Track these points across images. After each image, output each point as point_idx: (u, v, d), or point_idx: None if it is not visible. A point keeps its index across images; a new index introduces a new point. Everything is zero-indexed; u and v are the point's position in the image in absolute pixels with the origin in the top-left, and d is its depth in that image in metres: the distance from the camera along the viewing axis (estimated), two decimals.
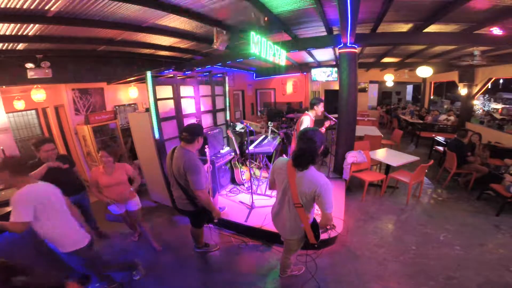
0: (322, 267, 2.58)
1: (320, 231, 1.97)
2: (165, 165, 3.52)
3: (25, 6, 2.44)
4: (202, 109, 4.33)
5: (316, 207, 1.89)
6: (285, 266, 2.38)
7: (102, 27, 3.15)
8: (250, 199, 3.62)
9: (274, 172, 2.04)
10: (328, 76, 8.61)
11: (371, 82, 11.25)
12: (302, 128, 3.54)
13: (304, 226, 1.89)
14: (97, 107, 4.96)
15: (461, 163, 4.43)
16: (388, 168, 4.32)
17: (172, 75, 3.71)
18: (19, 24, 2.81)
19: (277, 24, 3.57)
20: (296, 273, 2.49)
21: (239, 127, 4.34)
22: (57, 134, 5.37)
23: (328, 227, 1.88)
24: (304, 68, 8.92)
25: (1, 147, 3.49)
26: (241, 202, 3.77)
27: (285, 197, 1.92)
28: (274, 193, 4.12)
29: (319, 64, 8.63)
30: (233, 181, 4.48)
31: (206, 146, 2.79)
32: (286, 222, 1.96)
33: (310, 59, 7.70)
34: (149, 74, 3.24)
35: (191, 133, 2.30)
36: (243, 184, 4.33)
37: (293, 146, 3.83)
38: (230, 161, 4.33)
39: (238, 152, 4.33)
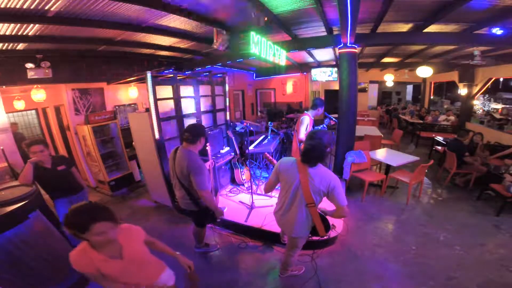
0: (322, 267, 2.58)
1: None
2: (166, 165, 3.53)
3: (25, 6, 2.44)
4: (202, 109, 4.32)
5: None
6: (287, 264, 2.37)
7: (102, 27, 3.14)
8: (250, 199, 3.62)
9: (279, 172, 2.01)
10: (328, 76, 8.62)
11: (371, 82, 11.25)
12: (301, 128, 3.54)
13: (315, 221, 1.96)
14: (97, 107, 4.96)
15: (460, 163, 4.43)
16: (388, 168, 4.32)
17: (172, 75, 3.71)
18: (19, 24, 2.81)
19: (277, 24, 3.57)
20: (296, 273, 2.49)
21: (239, 127, 4.34)
22: (57, 134, 5.38)
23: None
24: (304, 68, 8.92)
25: (1, 147, 3.49)
26: (241, 202, 3.78)
27: (295, 198, 1.93)
28: (275, 193, 4.11)
29: (319, 64, 8.63)
30: (233, 181, 4.48)
31: (208, 145, 2.79)
32: (296, 222, 1.97)
33: (310, 59, 7.69)
34: (149, 74, 3.24)
35: (194, 133, 2.29)
36: (243, 184, 4.33)
37: (294, 146, 3.82)
38: (230, 161, 4.33)
39: (238, 152, 4.33)
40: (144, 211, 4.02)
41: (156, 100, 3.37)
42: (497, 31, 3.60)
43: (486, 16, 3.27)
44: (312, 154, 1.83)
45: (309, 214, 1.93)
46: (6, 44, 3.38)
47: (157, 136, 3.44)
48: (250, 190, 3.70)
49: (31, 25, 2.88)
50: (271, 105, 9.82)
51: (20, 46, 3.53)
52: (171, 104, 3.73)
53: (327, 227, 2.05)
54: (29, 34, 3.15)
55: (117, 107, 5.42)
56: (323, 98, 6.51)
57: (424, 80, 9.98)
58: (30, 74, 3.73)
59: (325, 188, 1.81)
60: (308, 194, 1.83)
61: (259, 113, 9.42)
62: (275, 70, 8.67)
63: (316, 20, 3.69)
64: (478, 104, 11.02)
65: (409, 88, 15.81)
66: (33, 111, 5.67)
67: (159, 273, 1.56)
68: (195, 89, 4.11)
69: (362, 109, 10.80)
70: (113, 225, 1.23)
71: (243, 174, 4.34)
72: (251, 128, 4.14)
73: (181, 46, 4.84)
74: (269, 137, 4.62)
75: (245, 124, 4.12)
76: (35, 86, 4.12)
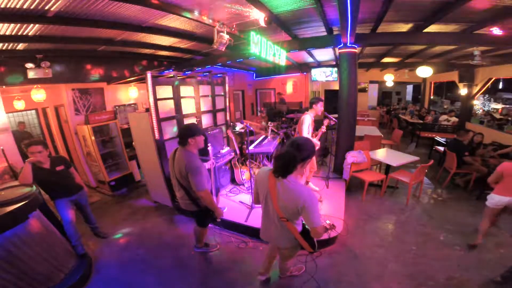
0: (322, 267, 2.58)
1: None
2: (166, 165, 3.53)
3: (25, 6, 2.44)
4: (202, 109, 4.32)
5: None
6: (283, 270, 2.37)
7: (102, 27, 3.14)
8: (250, 199, 3.62)
9: (256, 182, 1.87)
10: (328, 76, 8.62)
11: (371, 82, 11.25)
12: (303, 127, 3.51)
13: (295, 236, 1.74)
14: (97, 107, 4.96)
15: (460, 163, 4.43)
16: (388, 168, 4.32)
17: (172, 75, 3.71)
18: (19, 24, 2.81)
19: (277, 24, 3.57)
20: (296, 274, 2.49)
21: (239, 127, 4.34)
22: (57, 134, 5.38)
23: (328, 227, 1.78)
24: (304, 68, 8.92)
25: (1, 147, 3.49)
26: (241, 202, 3.77)
27: (268, 210, 1.78)
28: None
29: (319, 64, 8.63)
30: (233, 181, 4.48)
31: (209, 145, 2.78)
32: (275, 235, 1.83)
33: (310, 59, 7.70)
34: (149, 74, 3.25)
35: (181, 136, 2.31)
36: (243, 184, 4.33)
37: None
38: (230, 161, 4.33)
39: (238, 152, 4.32)
40: (144, 211, 4.02)
41: (156, 100, 3.37)
42: (497, 31, 3.60)
43: (486, 16, 3.27)
44: (278, 163, 1.61)
45: (286, 228, 1.72)
46: (6, 44, 3.38)
47: (157, 136, 3.44)
48: (250, 190, 3.70)
49: (31, 25, 2.88)
50: (272, 105, 9.83)
51: (20, 46, 3.53)
52: (171, 104, 3.73)
53: (313, 244, 1.79)
54: (29, 34, 3.15)
55: (117, 107, 5.42)
56: (322, 97, 6.51)
57: (424, 80, 9.98)
58: (30, 74, 3.73)
59: (294, 207, 1.60)
60: (278, 208, 1.65)
61: (259, 113, 9.42)
62: (275, 70, 8.67)
63: (316, 20, 3.69)
64: (478, 104, 11.02)
65: (409, 88, 15.83)
66: (33, 111, 5.67)
67: None
68: (195, 89, 4.11)
69: (362, 109, 10.81)
70: None
71: (243, 174, 4.34)
72: (251, 128, 4.14)
73: (181, 46, 4.84)
74: (269, 137, 4.62)
75: (245, 124, 4.12)
76: (35, 86, 4.12)
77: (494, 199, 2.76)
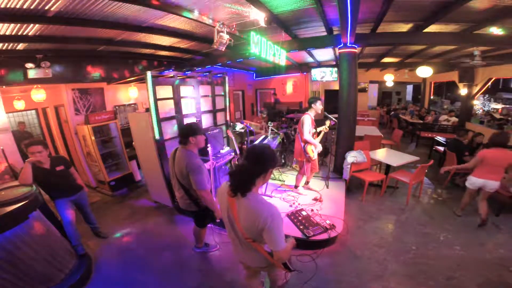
0: (322, 267, 2.58)
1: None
2: (166, 165, 3.53)
3: (25, 6, 2.44)
4: (202, 109, 4.32)
5: None
6: (278, 278, 2.31)
7: (102, 27, 3.14)
8: None
9: (218, 198, 1.66)
10: (327, 76, 8.61)
11: (371, 82, 11.26)
12: (304, 128, 3.49)
13: (266, 257, 1.50)
14: (97, 107, 4.96)
15: (460, 163, 4.42)
16: (388, 168, 4.32)
17: (172, 75, 3.71)
18: (19, 24, 2.81)
19: (277, 24, 3.57)
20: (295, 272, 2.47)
21: (239, 127, 4.34)
22: (57, 134, 5.38)
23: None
24: (304, 68, 8.92)
25: (1, 147, 3.49)
26: None
27: (233, 230, 1.54)
28: (275, 192, 4.09)
29: (319, 64, 8.63)
30: None
31: (209, 145, 2.78)
32: (245, 256, 1.63)
33: (310, 59, 7.70)
34: (149, 74, 3.24)
35: (181, 135, 2.31)
36: None
37: (297, 147, 3.76)
38: (230, 161, 4.33)
39: (238, 152, 4.32)
40: (144, 211, 4.02)
41: (156, 100, 3.37)
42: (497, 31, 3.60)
43: (486, 16, 3.27)
44: (234, 181, 1.39)
45: (253, 248, 1.50)
46: (6, 44, 3.38)
47: (157, 136, 3.44)
48: None
49: (31, 25, 2.88)
50: (272, 105, 9.84)
51: (20, 46, 3.53)
52: (171, 104, 3.73)
53: (286, 265, 1.56)
54: (29, 34, 3.15)
55: (117, 107, 5.42)
56: (323, 98, 6.47)
57: (424, 80, 9.98)
58: (30, 74, 3.73)
59: (255, 227, 1.36)
60: (241, 228, 1.44)
61: (259, 114, 9.42)
62: (275, 70, 8.67)
63: (316, 20, 3.69)
64: (478, 104, 11.02)
65: (409, 88, 15.82)
66: (33, 111, 5.67)
67: None
68: (195, 89, 4.11)
69: (362, 109, 10.81)
70: None
71: None
72: (251, 128, 4.14)
73: (181, 46, 4.84)
74: (269, 137, 4.62)
75: (245, 124, 4.12)
76: (35, 86, 4.12)
77: (471, 180, 3.29)
